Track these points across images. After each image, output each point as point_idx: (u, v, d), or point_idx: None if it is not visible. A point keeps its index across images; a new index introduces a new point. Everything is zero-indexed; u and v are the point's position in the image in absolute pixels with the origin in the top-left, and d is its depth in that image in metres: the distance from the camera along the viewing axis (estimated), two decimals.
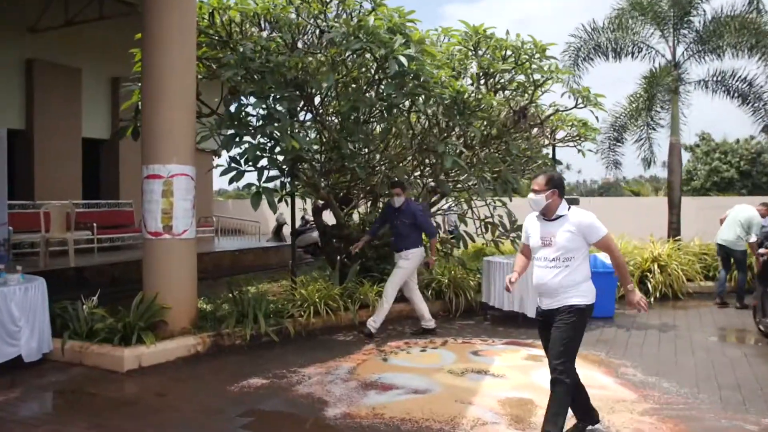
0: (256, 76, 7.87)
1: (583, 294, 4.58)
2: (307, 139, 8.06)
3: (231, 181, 7.55)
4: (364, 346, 7.69)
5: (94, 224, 12.71)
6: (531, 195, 4.67)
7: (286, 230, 19.01)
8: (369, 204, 11.25)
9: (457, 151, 9.01)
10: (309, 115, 9.12)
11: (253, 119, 8.31)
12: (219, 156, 18.09)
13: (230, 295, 8.34)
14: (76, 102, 14.48)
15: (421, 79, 7.78)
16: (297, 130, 7.63)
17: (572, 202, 11.96)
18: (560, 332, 4.55)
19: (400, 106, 8.60)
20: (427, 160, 9.79)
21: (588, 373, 6.64)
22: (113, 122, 15.36)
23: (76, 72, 14.47)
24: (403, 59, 7.35)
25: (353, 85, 8.52)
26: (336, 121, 9.05)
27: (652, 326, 9.04)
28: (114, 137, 9.10)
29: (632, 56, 14.21)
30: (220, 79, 8.30)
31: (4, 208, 9.33)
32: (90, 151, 15.16)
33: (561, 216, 4.59)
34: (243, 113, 7.98)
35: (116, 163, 15.51)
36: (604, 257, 9.56)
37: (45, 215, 10.85)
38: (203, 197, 13.34)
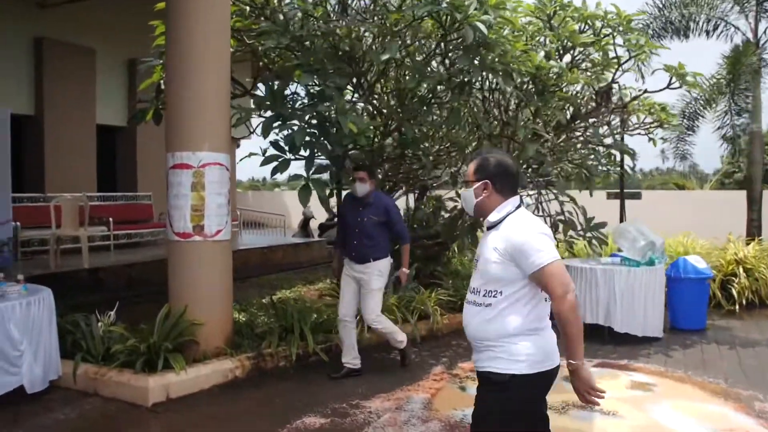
0: (300, 47, 6.60)
1: (513, 355, 2.89)
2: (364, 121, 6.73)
3: (274, 172, 6.31)
4: (432, 369, 6.46)
5: (110, 219, 11.53)
6: (462, 188, 3.33)
7: (314, 225, 17.86)
8: (415, 197, 9.97)
9: (538, 137, 7.69)
10: (355, 94, 7.85)
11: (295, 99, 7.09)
12: (238, 146, 16.94)
13: (267, 303, 7.14)
14: (89, 85, 13.27)
15: (499, 51, 6.49)
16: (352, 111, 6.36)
17: (634, 196, 10.34)
18: (474, 415, 3.05)
19: (473, 83, 7.28)
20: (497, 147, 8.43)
21: (716, 409, 5.40)
22: (130, 108, 14.12)
23: (90, 53, 13.26)
24: (481, 26, 6.07)
25: (417, 58, 7.20)
26: (392, 101, 7.73)
27: (759, 342, 7.74)
28: (132, 122, 7.83)
29: (707, 34, 12.80)
30: (260, 50, 7.05)
31: (8, 202, 8.17)
32: (105, 140, 13.96)
33: (497, 223, 3.01)
34: (287, 91, 6.72)
35: (133, 152, 14.30)
36: (696, 261, 8.27)
37: (56, 209, 9.67)
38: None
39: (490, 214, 3.02)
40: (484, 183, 3.01)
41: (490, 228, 3.03)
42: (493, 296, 2.92)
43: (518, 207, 3.01)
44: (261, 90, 8.22)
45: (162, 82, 8.10)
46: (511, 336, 2.90)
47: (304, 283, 10.29)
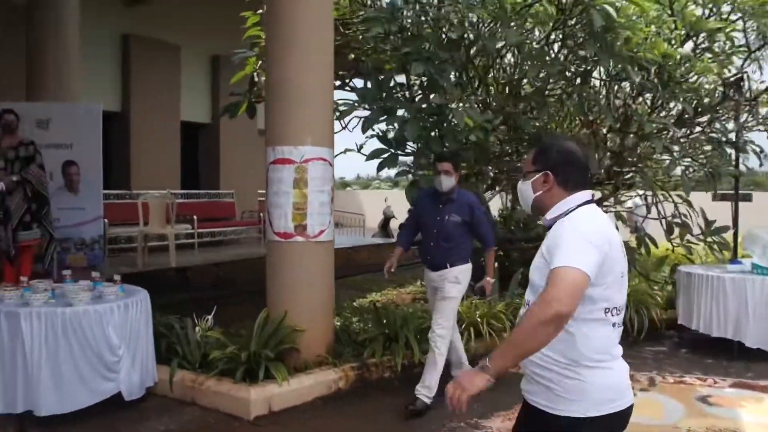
0: (407, 34, 6.14)
1: (569, 392, 2.32)
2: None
3: (381, 167, 5.87)
4: None
5: (195, 217, 11.35)
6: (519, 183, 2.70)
7: (393, 225, 17.44)
8: (509, 195, 9.38)
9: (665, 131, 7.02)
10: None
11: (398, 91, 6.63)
12: None
13: (367, 308, 6.71)
14: (174, 82, 13.18)
15: (625, 38, 5.88)
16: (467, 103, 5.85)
17: (744, 198, 9.36)
18: None
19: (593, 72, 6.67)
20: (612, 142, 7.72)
21: None
22: (213, 105, 14.02)
23: (175, 49, 13.16)
24: (610, 10, 5.48)
25: (535, 45, 6.62)
26: (502, 92, 7.17)
27: None
28: (224, 116, 7.51)
29: None
30: (360, 40, 6.63)
31: (99, 199, 7.98)
32: (188, 137, 13.85)
33: (554, 222, 2.46)
34: (393, 82, 6.26)
35: (216, 149, 14.17)
36: None
37: (143, 207, 9.49)
38: None
39: (549, 210, 2.47)
40: (544, 174, 2.45)
41: (548, 229, 2.46)
42: None
43: (583, 204, 2.43)
44: (354, 83, 7.84)
45: (255, 74, 7.81)
46: (567, 366, 2.31)
47: (394, 285, 9.85)
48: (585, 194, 2.46)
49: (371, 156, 5.92)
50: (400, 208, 17.73)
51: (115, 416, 4.90)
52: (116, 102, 12.24)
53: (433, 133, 5.80)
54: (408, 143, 6.09)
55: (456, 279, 5.22)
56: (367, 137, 7.16)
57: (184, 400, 5.27)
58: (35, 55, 8.88)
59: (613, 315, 2.36)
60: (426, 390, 5.13)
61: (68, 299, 4.90)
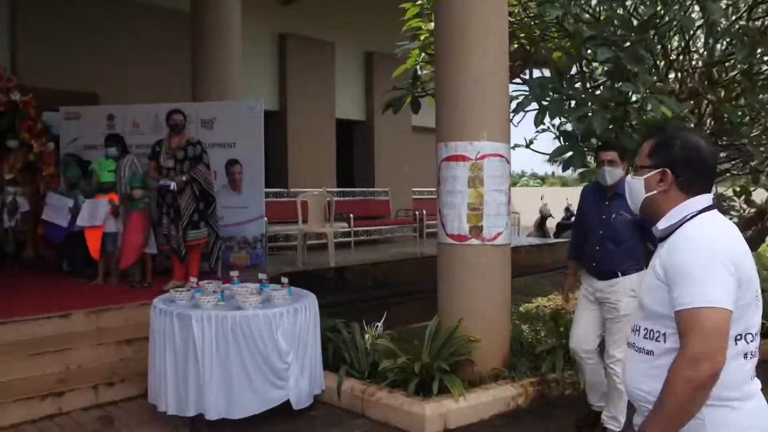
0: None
1: None
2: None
3: (567, 166, 5.32)
4: None
5: (351, 215, 11.21)
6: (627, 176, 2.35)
7: (550, 223, 16.67)
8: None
9: None
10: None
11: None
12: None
13: (544, 316, 6.17)
14: (329, 79, 13.15)
15: None
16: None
17: None
18: None
19: None
20: None
21: None
22: (367, 102, 13.91)
23: (329, 46, 13.12)
24: None
25: (741, 23, 5.80)
26: (699, 78, 6.37)
27: None
28: (387, 110, 7.22)
29: None
30: (536, 23, 6.10)
31: (262, 197, 7.92)
32: (342, 134, 13.78)
33: (667, 233, 2.06)
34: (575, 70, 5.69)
35: (371, 146, 14.03)
36: None
37: (302, 205, 9.40)
38: None
39: (664, 216, 2.07)
40: (662, 172, 2.06)
41: (661, 240, 2.09)
42: (656, 339, 2.01)
43: (704, 211, 2.02)
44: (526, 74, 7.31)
45: (417, 67, 7.45)
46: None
47: (559, 290, 9.20)
48: (706, 198, 2.06)
49: (556, 153, 5.36)
50: (557, 205, 17.01)
51: (283, 425, 4.69)
52: (274, 101, 12.34)
53: (622, 127, 5.15)
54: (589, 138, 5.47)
55: (633, 292, 4.28)
56: (537, 132, 6.64)
57: (353, 411, 4.98)
58: (200, 56, 9.01)
59: (747, 342, 1.96)
60: (614, 421, 4.48)
61: (237, 302, 4.74)
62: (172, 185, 6.69)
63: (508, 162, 5.37)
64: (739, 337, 1.94)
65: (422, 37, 7.22)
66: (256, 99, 8.14)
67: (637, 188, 2.15)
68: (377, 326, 5.66)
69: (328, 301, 6.81)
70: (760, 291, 2.01)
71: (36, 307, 6.10)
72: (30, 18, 9.46)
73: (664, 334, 1.97)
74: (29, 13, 9.46)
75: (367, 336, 5.46)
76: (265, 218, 8.18)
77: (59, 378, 5.28)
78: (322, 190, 10.57)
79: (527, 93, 5.71)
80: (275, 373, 4.65)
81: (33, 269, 8.45)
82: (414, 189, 13.71)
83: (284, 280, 5.13)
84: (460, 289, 5.33)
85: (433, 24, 6.27)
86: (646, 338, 2.04)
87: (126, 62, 10.04)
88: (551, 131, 6.50)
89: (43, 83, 8.92)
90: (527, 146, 6.83)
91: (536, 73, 7.32)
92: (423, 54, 7.35)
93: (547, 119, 5.77)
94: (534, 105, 5.72)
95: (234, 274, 5.35)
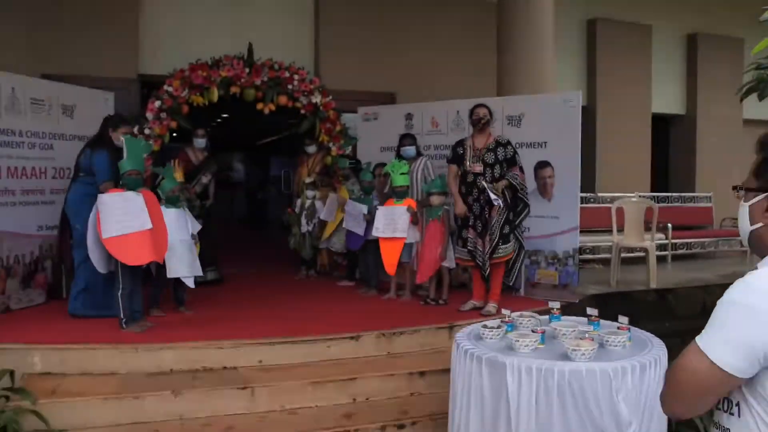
0: None
1: None
2: None
3: None
4: None
5: (669, 225, 9.54)
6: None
7: None
8: None
9: None
10: None
11: None
12: None
13: None
14: (644, 68, 11.49)
15: None
16: None
17: None
18: None
19: None
20: None
21: None
22: (689, 92, 12.00)
23: (645, 30, 11.45)
24: None
25: None
26: None
27: None
28: (747, 95, 5.58)
29: None
30: None
31: (576, 206, 6.72)
32: (657, 131, 12.00)
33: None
34: None
35: (691, 145, 12.06)
36: None
37: (618, 213, 8.03)
38: None
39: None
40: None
41: None
42: (737, 406, 1.67)
43: None
44: None
45: None
46: None
47: None
48: None
49: None
50: None
51: None
52: (581, 95, 11.02)
53: None
54: None
55: None
56: None
57: None
58: (507, 47, 8.09)
59: None
60: None
61: (563, 347, 3.63)
62: (499, 201, 5.86)
63: None
64: None
65: None
66: (573, 92, 6.97)
67: (743, 218, 1.77)
68: None
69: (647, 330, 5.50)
70: None
71: (325, 324, 5.66)
72: (330, 28, 9.28)
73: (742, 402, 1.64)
74: (328, 23, 9.27)
75: None
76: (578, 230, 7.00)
77: (346, 411, 4.66)
78: (634, 195, 9.08)
79: None
80: None
81: (325, 276, 8.23)
82: None
83: (622, 319, 3.94)
84: None
85: None
86: (728, 405, 1.70)
87: (424, 59, 9.49)
88: None
89: (340, 85, 8.67)
90: None
91: None
92: None
93: None
94: None
95: (554, 306, 4.25)
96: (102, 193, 5.54)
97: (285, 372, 4.95)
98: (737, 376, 1.58)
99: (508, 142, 6.10)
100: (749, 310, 1.55)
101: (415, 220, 6.56)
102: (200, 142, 7.67)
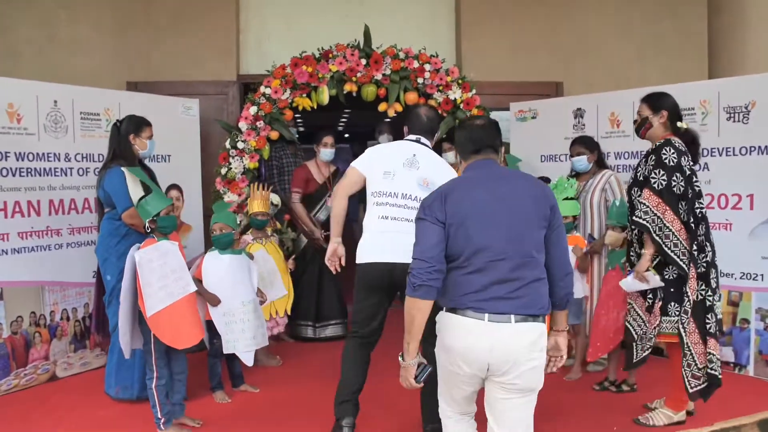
0: None
1: None
2: None
3: None
4: None
5: None
6: None
7: None
8: None
9: None
10: None
11: None
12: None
13: None
14: None
15: None
16: None
17: None
18: None
19: None
20: None
21: None
22: None
23: None
24: None
25: None
26: None
27: None
28: None
29: None
30: None
31: None
32: None
33: None
34: None
35: None
36: None
37: None
38: None
39: None
40: None
41: None
42: None
43: None
44: None
45: None
46: None
47: None
48: None
49: None
50: None
51: None
52: None
53: None
54: None
55: None
56: None
57: None
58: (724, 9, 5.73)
59: None
60: None
61: None
62: None
63: None
64: None
65: None
66: None
67: None
68: None
69: None
70: None
71: None
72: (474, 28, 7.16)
73: None
74: (473, 24, 7.14)
75: None
76: None
77: None
78: None
79: None
80: None
81: None
82: None
83: None
84: None
85: None
86: None
87: (590, 47, 7.17)
88: None
89: (486, 76, 6.72)
90: None
91: None
92: None
93: None
94: None
95: None
96: (123, 221, 3.96)
97: None
98: None
99: None
100: None
101: (583, 267, 4.45)
102: (327, 153, 6.03)
